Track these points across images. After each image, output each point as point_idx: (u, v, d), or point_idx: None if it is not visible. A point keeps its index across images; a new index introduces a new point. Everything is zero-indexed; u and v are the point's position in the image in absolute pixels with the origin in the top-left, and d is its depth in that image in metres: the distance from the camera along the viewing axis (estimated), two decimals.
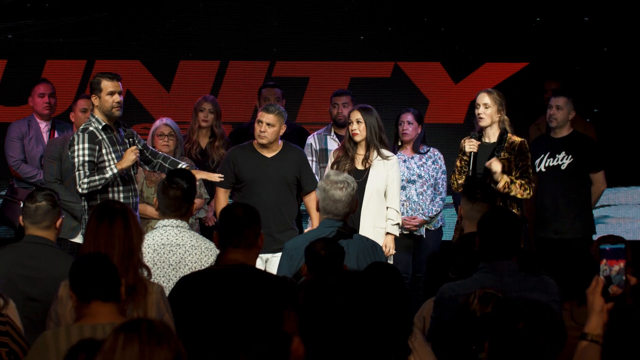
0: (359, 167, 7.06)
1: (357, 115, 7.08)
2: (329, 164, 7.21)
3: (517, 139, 6.91)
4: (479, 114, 6.93)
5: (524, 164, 6.85)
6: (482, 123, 6.93)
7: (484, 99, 6.91)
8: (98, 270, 3.78)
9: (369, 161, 7.05)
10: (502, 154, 6.84)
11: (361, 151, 7.11)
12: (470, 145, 6.87)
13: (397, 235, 7.10)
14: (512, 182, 6.73)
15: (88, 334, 3.56)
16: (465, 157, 6.92)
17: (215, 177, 6.82)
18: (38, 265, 4.82)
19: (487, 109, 6.90)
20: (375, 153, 7.07)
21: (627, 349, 2.76)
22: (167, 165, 6.70)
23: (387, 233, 7.01)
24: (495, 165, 6.73)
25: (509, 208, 6.59)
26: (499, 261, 4.37)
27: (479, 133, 7.01)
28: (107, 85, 6.46)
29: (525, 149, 6.89)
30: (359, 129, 7.05)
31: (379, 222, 6.97)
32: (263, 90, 8.27)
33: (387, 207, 7.04)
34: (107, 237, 4.25)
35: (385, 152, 7.11)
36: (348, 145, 7.11)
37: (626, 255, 3.23)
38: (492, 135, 6.95)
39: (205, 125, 7.96)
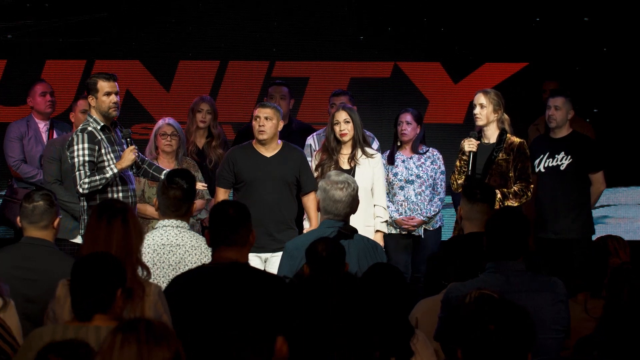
0: (345, 166, 7.06)
1: (344, 115, 7.11)
2: (312, 165, 7.19)
3: (516, 140, 6.95)
4: (475, 114, 7.00)
5: (522, 165, 6.89)
6: (479, 123, 7.01)
7: (480, 99, 6.98)
8: (92, 283, 3.68)
9: (355, 159, 7.07)
10: (500, 154, 6.88)
11: (346, 150, 7.13)
12: (469, 144, 6.93)
13: (387, 232, 7.12)
14: (504, 197, 6.75)
15: (83, 335, 3.54)
16: (464, 157, 6.96)
17: (199, 185, 6.85)
18: (36, 267, 4.80)
19: (483, 109, 6.96)
20: (360, 151, 7.10)
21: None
22: (151, 171, 6.73)
23: (377, 231, 7.02)
24: None
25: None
26: (506, 261, 4.37)
27: (479, 133, 7.05)
28: (103, 85, 6.46)
29: (523, 149, 6.93)
30: (347, 129, 7.08)
31: (368, 220, 6.98)
32: (270, 88, 8.30)
33: (374, 205, 7.05)
34: (105, 236, 4.20)
35: (368, 150, 7.15)
36: (333, 145, 7.11)
37: None
38: (491, 136, 6.99)
39: (203, 125, 7.96)
